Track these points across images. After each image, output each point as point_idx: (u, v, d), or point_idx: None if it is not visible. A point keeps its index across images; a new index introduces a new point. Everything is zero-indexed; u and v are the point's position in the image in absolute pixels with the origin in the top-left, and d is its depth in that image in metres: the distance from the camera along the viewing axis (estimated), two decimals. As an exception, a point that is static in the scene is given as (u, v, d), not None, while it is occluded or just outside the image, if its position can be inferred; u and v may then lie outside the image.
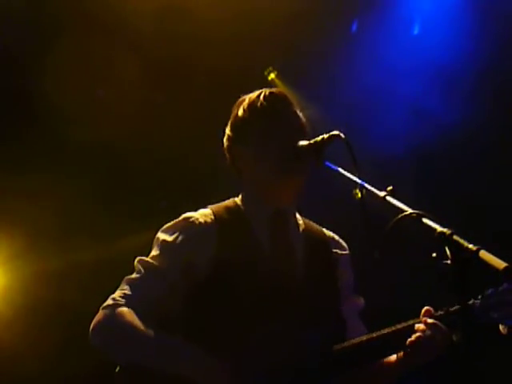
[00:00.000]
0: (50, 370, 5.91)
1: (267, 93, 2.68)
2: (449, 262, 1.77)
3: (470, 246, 1.75)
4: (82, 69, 5.52)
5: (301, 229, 2.70)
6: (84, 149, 5.70)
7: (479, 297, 2.46)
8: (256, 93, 2.70)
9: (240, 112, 2.69)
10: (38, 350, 5.89)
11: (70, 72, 5.45)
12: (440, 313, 2.49)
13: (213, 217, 2.58)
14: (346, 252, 2.79)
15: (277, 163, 2.54)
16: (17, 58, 5.51)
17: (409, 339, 2.43)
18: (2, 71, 5.53)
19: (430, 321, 2.44)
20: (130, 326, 2.39)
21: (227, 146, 2.73)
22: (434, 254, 1.80)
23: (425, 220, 1.91)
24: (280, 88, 5.66)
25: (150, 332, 2.39)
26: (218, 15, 5.44)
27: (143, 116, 5.77)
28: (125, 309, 2.41)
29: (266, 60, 6.00)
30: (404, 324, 2.50)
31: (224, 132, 2.76)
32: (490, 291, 2.47)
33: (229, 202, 2.69)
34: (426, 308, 2.52)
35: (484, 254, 1.72)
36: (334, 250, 2.75)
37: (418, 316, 2.51)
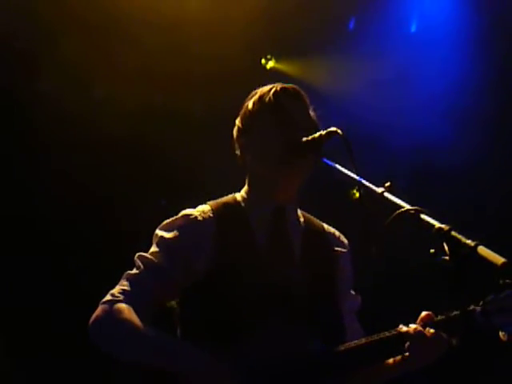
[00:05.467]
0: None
1: (278, 88, 2.64)
2: (447, 257, 1.76)
3: (468, 241, 1.75)
4: (80, 68, 5.52)
5: (301, 226, 2.68)
6: (82, 148, 5.69)
7: (480, 303, 2.44)
8: (268, 87, 2.68)
9: (250, 105, 2.66)
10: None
11: (67, 71, 5.46)
12: (440, 318, 2.47)
13: (212, 214, 2.55)
14: (347, 249, 2.76)
15: (276, 158, 2.53)
16: (14, 56, 5.50)
17: (408, 344, 2.42)
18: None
19: (431, 330, 2.43)
20: (128, 323, 2.37)
21: (236, 136, 2.71)
22: (433, 250, 1.80)
23: (423, 216, 1.91)
24: (285, 71, 5.67)
25: (148, 330, 2.38)
26: (216, 13, 5.44)
27: (142, 115, 5.76)
28: (123, 305, 2.39)
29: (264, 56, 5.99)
30: (403, 327, 2.47)
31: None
32: (491, 297, 2.45)
33: (228, 199, 2.66)
34: (426, 313, 2.50)
35: (482, 250, 1.72)
36: (335, 247, 2.72)
37: (417, 316, 2.52)
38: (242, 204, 2.62)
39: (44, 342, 5.85)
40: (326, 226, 2.76)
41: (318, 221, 2.76)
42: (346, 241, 2.77)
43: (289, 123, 2.56)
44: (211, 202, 2.63)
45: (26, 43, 5.47)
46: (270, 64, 5.98)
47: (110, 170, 5.87)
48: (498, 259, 1.67)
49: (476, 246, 1.73)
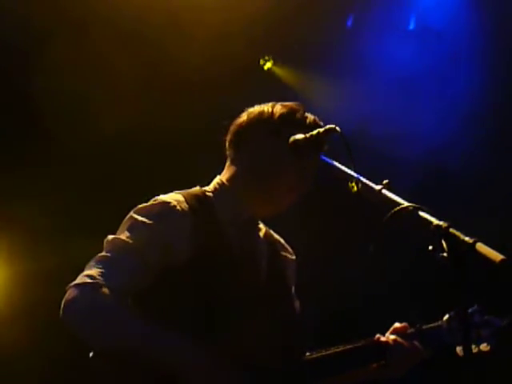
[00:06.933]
0: (50, 369, 5.91)
1: (312, 118, 2.58)
2: (445, 254, 1.76)
3: (467, 238, 1.75)
4: (77, 68, 5.52)
5: (261, 233, 2.68)
6: (80, 147, 5.70)
7: (444, 319, 2.55)
8: (302, 108, 2.62)
9: (294, 114, 2.60)
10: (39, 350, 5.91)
11: (64, 71, 5.46)
12: (412, 330, 2.57)
13: (187, 205, 2.48)
14: (294, 257, 2.78)
15: (284, 186, 2.54)
16: (10, 57, 5.51)
17: (387, 353, 2.50)
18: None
19: (406, 341, 2.53)
20: (116, 309, 2.28)
21: (251, 120, 2.65)
22: (431, 247, 1.80)
23: (421, 213, 1.90)
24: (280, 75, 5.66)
25: (138, 317, 2.31)
26: (215, 12, 5.43)
27: (140, 114, 5.76)
28: (106, 289, 2.27)
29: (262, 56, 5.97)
30: (379, 337, 2.55)
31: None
32: (453, 312, 2.54)
33: (198, 192, 2.59)
34: (400, 325, 2.59)
35: (481, 247, 1.71)
36: (284, 254, 2.74)
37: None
38: (214, 200, 2.57)
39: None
40: (272, 232, 2.77)
41: (267, 227, 2.75)
42: (289, 248, 2.80)
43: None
44: (182, 192, 2.56)
45: (20, 45, 5.47)
46: (268, 65, 5.94)
47: (109, 170, 5.88)
48: (497, 256, 1.67)
49: (474, 242, 1.73)
